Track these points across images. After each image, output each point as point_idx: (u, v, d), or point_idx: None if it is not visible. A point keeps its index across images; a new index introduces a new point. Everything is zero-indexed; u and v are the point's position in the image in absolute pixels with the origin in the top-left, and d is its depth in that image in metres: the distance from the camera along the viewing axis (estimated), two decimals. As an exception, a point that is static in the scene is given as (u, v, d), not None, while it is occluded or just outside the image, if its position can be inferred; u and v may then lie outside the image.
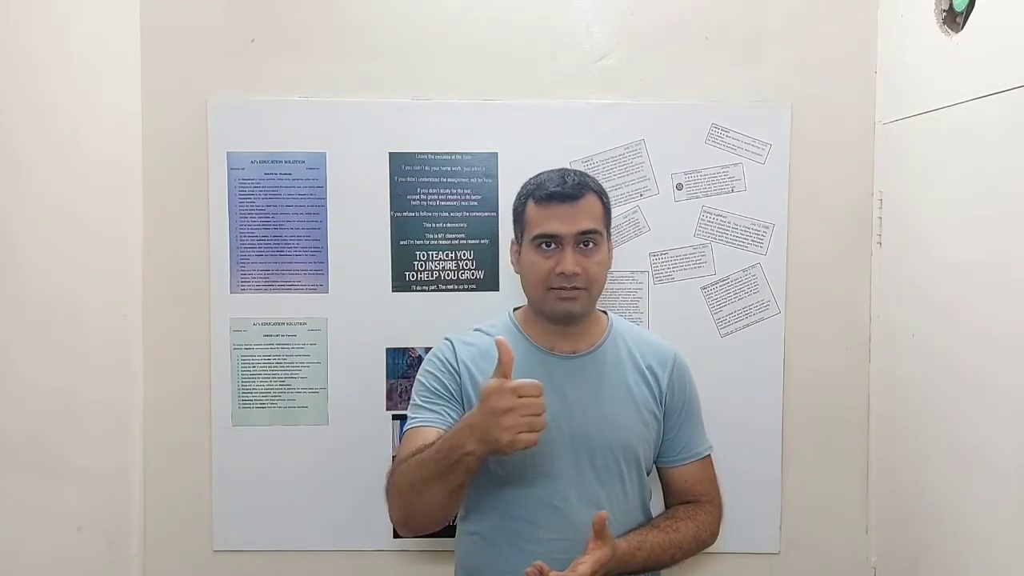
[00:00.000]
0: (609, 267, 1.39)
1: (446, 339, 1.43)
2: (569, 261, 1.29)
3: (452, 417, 1.32)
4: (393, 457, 1.64)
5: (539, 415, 1.12)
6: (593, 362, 1.38)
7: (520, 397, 1.11)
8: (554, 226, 1.30)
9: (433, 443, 1.21)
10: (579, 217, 1.30)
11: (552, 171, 1.36)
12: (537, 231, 1.32)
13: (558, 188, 1.31)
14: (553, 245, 1.31)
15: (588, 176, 1.38)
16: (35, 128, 1.31)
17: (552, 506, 1.32)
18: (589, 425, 1.34)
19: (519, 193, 1.39)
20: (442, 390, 1.36)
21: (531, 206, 1.34)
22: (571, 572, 1.18)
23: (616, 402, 1.36)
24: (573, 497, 1.32)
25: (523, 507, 1.33)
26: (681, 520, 1.39)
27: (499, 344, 1.15)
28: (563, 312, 1.33)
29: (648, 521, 1.40)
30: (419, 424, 1.32)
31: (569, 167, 1.60)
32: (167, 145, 1.64)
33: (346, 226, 1.65)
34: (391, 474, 1.30)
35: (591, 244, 1.32)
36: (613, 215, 1.64)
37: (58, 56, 1.38)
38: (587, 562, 1.20)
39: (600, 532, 1.23)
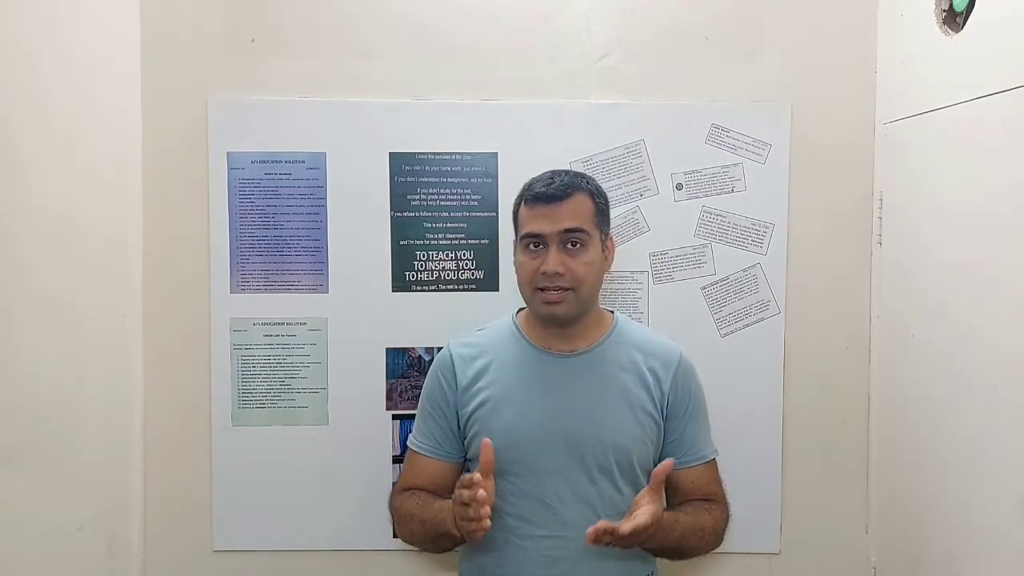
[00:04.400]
0: (606, 268, 1.38)
1: (446, 348, 1.45)
2: (552, 260, 1.29)
3: (441, 442, 1.40)
4: (395, 458, 1.65)
5: (483, 506, 1.18)
6: (590, 361, 1.37)
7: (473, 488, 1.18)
8: (538, 225, 1.31)
9: (424, 502, 1.35)
10: (563, 216, 1.30)
11: (547, 172, 1.36)
12: (524, 231, 1.34)
13: (544, 188, 1.32)
14: (540, 245, 1.31)
15: (584, 176, 1.37)
16: (35, 128, 1.31)
17: (543, 503, 1.32)
18: (582, 424, 1.33)
19: (517, 195, 1.39)
20: (435, 412, 1.41)
21: (522, 207, 1.35)
22: (631, 522, 1.19)
23: (611, 402, 1.35)
24: (565, 495, 1.32)
25: (516, 504, 1.33)
26: (703, 509, 1.38)
27: (484, 446, 1.25)
28: (548, 314, 1.33)
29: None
30: (417, 449, 1.42)
31: (570, 167, 1.61)
32: (167, 145, 1.64)
33: (346, 226, 1.65)
34: (394, 497, 1.42)
35: (577, 244, 1.31)
36: (613, 215, 1.65)
37: (58, 56, 1.37)
38: (645, 513, 1.20)
39: (658, 484, 1.25)
